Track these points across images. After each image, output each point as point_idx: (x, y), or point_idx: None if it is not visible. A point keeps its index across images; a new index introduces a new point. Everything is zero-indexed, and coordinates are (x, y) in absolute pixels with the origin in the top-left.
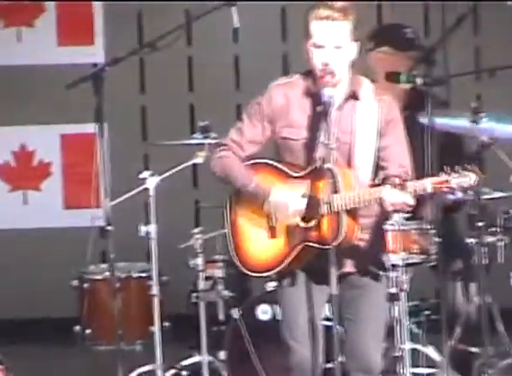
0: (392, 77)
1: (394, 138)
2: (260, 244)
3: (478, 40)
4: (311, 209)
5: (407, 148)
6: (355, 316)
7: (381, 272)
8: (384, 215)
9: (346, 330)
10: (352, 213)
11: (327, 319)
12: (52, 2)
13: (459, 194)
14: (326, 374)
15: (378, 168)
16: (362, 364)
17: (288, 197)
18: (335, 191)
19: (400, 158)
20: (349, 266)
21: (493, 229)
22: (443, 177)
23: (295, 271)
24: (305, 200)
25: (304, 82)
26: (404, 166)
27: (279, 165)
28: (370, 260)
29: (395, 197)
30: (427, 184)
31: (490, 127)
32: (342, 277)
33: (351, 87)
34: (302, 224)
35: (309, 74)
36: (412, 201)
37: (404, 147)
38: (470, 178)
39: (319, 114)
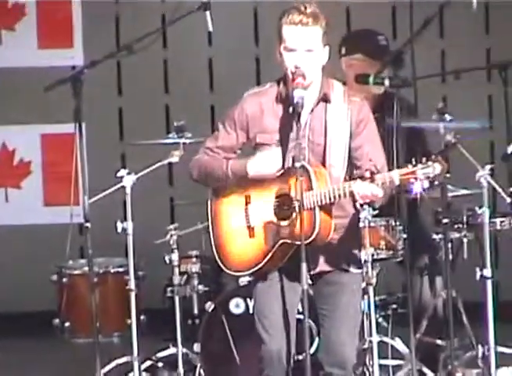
0: (361, 78)
1: (366, 138)
2: (239, 244)
3: (444, 43)
4: (287, 207)
5: (380, 147)
6: (332, 313)
7: (357, 270)
8: (358, 214)
9: (322, 326)
10: (327, 211)
11: (299, 312)
12: (34, 7)
13: (426, 184)
14: (298, 366)
15: (353, 167)
16: (337, 359)
17: (264, 159)
18: (309, 188)
19: (373, 157)
20: (326, 264)
21: (458, 225)
22: (410, 168)
23: (272, 267)
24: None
25: (277, 89)
26: (375, 162)
27: None
28: (346, 258)
29: (365, 189)
30: (395, 175)
31: (455, 127)
32: (319, 275)
33: (322, 90)
34: (281, 223)
35: (281, 80)
36: (381, 193)
37: (376, 146)
38: (435, 168)
39: (291, 116)
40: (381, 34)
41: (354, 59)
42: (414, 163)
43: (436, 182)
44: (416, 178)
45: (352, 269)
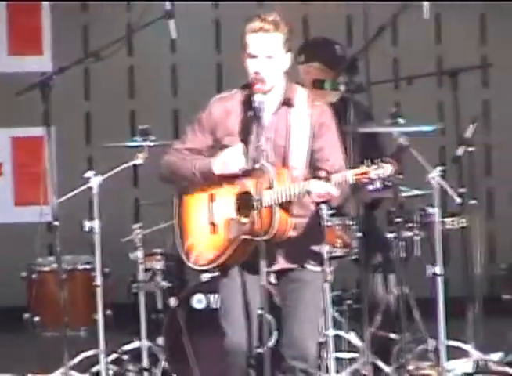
0: (318, 84)
1: (326, 140)
2: (203, 240)
3: (397, 50)
4: (248, 205)
5: (340, 150)
6: (295, 309)
7: (318, 268)
8: (319, 213)
9: (285, 321)
10: (286, 209)
11: (261, 307)
12: (4, 15)
13: (378, 185)
14: (259, 359)
15: (315, 169)
16: (299, 353)
17: (228, 156)
18: (270, 187)
19: (333, 159)
20: (288, 262)
21: (410, 224)
22: (363, 168)
23: (234, 263)
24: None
25: (242, 93)
26: (334, 164)
27: None
28: (308, 256)
29: (321, 188)
30: (349, 175)
31: (408, 130)
32: (282, 272)
33: (285, 94)
34: (241, 219)
35: (247, 85)
36: (336, 192)
37: (337, 148)
38: (387, 169)
39: (254, 120)
40: (338, 43)
41: (311, 66)
42: (367, 164)
43: (389, 183)
44: (369, 179)
45: (314, 267)
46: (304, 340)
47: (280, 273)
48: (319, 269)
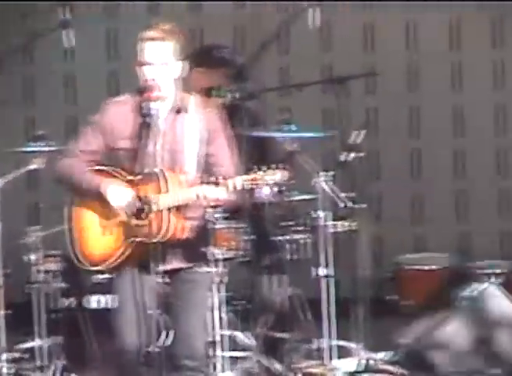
0: (207, 92)
1: (218, 146)
2: (96, 242)
3: (288, 58)
4: (142, 208)
5: (231, 155)
6: (185, 308)
7: (209, 268)
8: (206, 216)
9: (176, 321)
10: (179, 212)
11: (154, 307)
12: None
13: (268, 190)
14: (151, 358)
15: (208, 173)
16: (189, 352)
17: (116, 192)
18: (163, 191)
19: (225, 163)
20: (180, 262)
21: (299, 228)
22: (255, 174)
23: (128, 264)
24: (128, 198)
25: (135, 98)
26: (226, 169)
27: (115, 171)
28: (199, 257)
29: (211, 193)
30: (239, 181)
31: (296, 136)
32: (174, 272)
33: (178, 101)
34: (134, 222)
35: (139, 91)
36: (225, 196)
37: (228, 154)
38: (276, 175)
39: (146, 125)
40: (226, 47)
41: (198, 72)
42: (260, 170)
43: (280, 188)
44: (259, 184)
45: (205, 268)
46: (194, 339)
47: (172, 273)
48: (209, 269)
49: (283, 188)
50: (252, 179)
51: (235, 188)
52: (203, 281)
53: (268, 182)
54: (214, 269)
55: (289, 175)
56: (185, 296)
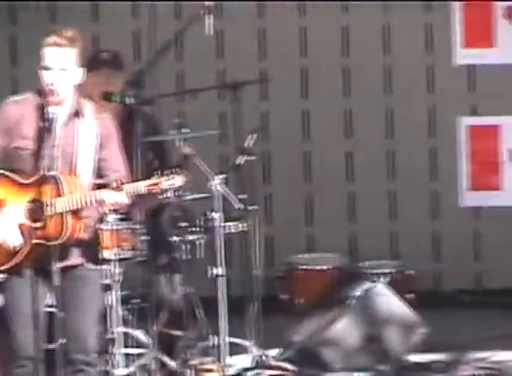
0: (106, 96)
1: (111, 150)
2: None
3: (183, 64)
4: (38, 211)
5: (123, 158)
6: (75, 305)
7: (98, 266)
8: (101, 216)
9: (68, 317)
10: (76, 214)
11: (50, 305)
12: None
13: (170, 194)
14: (48, 355)
15: (101, 177)
16: (79, 346)
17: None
18: (59, 195)
19: (117, 167)
20: (71, 260)
21: (194, 228)
22: (155, 180)
23: (26, 265)
24: (16, 227)
25: (36, 99)
26: (120, 173)
27: (9, 174)
28: (88, 256)
29: (112, 197)
30: (141, 186)
31: (192, 140)
32: (65, 270)
33: (75, 106)
34: (31, 224)
35: (40, 92)
36: (126, 201)
37: (120, 158)
38: (176, 179)
39: (45, 128)
40: (106, 51)
41: (90, 76)
42: (158, 175)
43: (178, 192)
44: (160, 189)
45: (94, 266)
46: (86, 334)
47: (64, 271)
48: (99, 267)
49: (179, 190)
50: (154, 184)
51: (137, 193)
52: (92, 278)
53: (167, 187)
54: (104, 267)
55: (185, 178)
56: (75, 292)
